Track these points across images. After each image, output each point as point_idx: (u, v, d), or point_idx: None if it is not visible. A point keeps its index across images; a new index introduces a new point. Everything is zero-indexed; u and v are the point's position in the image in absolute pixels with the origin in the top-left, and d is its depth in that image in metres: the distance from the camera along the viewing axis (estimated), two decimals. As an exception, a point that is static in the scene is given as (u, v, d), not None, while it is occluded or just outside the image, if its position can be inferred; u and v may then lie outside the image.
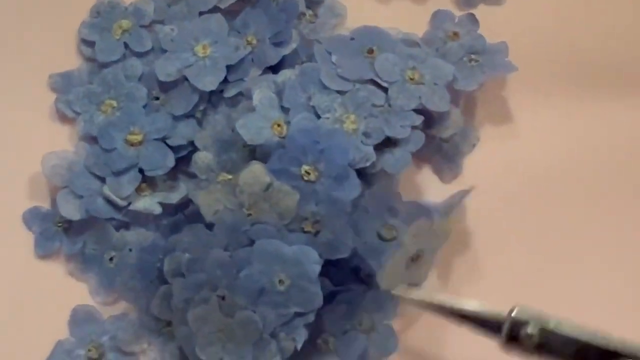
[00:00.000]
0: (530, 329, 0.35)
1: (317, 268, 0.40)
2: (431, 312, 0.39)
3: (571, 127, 0.48)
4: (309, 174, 0.40)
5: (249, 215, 0.40)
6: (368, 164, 0.42)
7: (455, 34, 0.48)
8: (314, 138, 0.41)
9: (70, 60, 0.48)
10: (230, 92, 0.44)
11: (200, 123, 0.44)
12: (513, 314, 0.36)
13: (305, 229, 0.40)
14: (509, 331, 0.36)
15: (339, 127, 0.42)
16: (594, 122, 0.48)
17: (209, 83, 0.44)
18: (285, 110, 0.42)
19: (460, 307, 0.38)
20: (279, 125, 0.42)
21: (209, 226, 0.41)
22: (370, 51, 0.45)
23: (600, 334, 0.35)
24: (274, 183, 0.40)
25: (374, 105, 0.43)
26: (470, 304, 0.38)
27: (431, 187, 0.46)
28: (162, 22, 0.47)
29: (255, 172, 0.40)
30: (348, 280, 0.42)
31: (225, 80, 0.45)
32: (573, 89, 0.49)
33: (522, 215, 0.46)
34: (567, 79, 0.49)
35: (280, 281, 0.39)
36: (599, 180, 0.47)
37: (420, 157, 0.46)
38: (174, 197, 0.43)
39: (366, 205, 0.42)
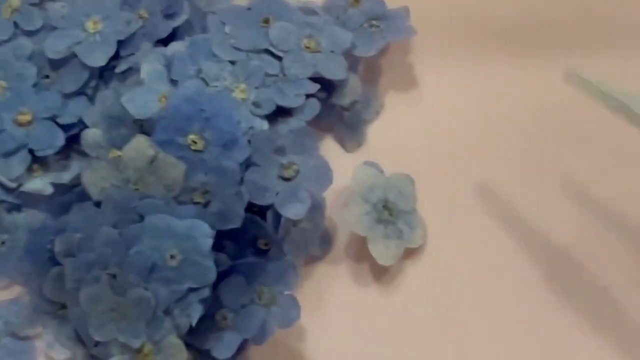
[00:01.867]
0: None
1: (209, 241, 0.39)
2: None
3: (477, 91, 0.47)
4: (195, 143, 0.39)
5: (136, 190, 0.39)
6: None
7: (356, 0, 0.47)
8: (199, 106, 0.40)
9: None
10: (121, 67, 0.43)
11: (91, 100, 0.43)
12: None
13: (195, 200, 0.39)
14: None
15: (224, 92, 0.41)
16: (499, 85, 0.47)
17: (98, 59, 0.43)
18: (174, 83, 0.41)
19: None
20: (166, 98, 0.41)
21: (99, 204, 0.40)
22: (266, 21, 0.44)
23: None
24: (158, 155, 0.39)
25: (267, 75, 0.43)
26: None
27: (335, 157, 0.45)
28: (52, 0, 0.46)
29: (139, 146, 0.39)
30: (246, 253, 0.41)
31: (118, 56, 0.44)
32: (478, 52, 0.48)
33: (428, 180, 0.45)
34: (472, 42, 0.48)
35: (172, 256, 0.38)
36: (505, 143, 0.46)
37: (321, 126, 0.45)
38: (66, 177, 0.43)
39: (254, 162, 0.41)
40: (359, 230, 0.43)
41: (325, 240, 0.44)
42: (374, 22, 0.46)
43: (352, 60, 0.45)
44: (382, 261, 0.42)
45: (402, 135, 0.46)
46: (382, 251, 0.43)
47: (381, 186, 0.43)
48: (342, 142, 0.46)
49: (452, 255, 0.44)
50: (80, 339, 0.40)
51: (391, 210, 0.43)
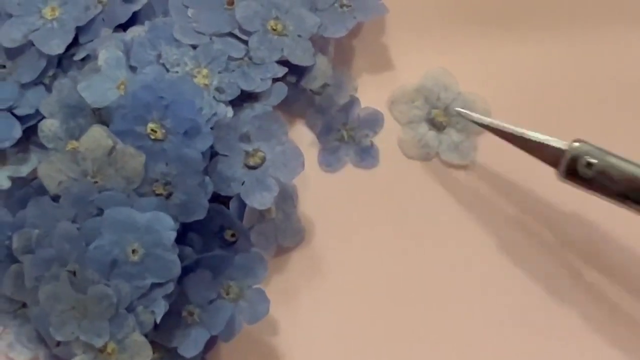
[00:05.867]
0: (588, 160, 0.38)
1: (173, 234, 0.37)
2: (495, 134, 0.41)
3: (454, 71, 0.45)
4: (155, 132, 0.38)
5: (95, 182, 0.38)
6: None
7: (327, -21, 0.45)
8: (158, 93, 0.38)
9: None
10: (80, 55, 0.41)
11: (49, 90, 0.41)
12: (572, 146, 0.39)
13: (157, 192, 0.38)
14: (569, 162, 0.39)
15: (185, 78, 0.39)
16: (477, 64, 0.46)
17: (56, 46, 0.41)
18: (133, 69, 0.40)
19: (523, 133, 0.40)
20: (125, 86, 0.39)
21: (56, 198, 0.38)
22: (231, 2, 0.42)
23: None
24: (117, 146, 0.37)
25: (231, 59, 0.41)
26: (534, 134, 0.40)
27: (306, 143, 0.44)
28: (9, -14, 0.44)
29: (96, 136, 0.37)
30: (213, 247, 0.40)
31: (77, 43, 0.42)
32: (454, 31, 0.46)
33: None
34: (448, 21, 0.46)
35: (134, 251, 0.37)
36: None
37: (291, 111, 0.44)
38: (24, 170, 0.41)
39: (218, 150, 0.39)
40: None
41: (297, 231, 0.42)
42: (344, 1, 0.44)
43: (322, 42, 0.43)
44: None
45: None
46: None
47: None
48: (313, 127, 0.44)
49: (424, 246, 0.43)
50: (42, 338, 0.39)
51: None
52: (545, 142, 0.40)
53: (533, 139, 0.40)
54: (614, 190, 0.38)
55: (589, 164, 0.38)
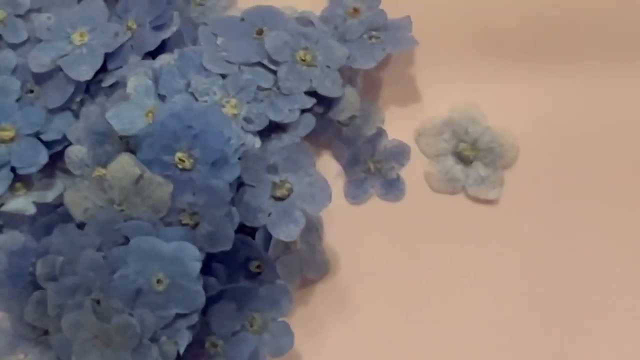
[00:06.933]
0: None
1: (198, 265, 0.37)
2: None
3: (480, 104, 0.45)
4: (183, 161, 0.37)
5: (121, 211, 0.37)
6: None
7: (356, 10, 0.45)
8: (187, 122, 0.38)
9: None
10: (108, 81, 0.41)
11: (77, 116, 0.42)
12: None
13: (183, 222, 0.37)
14: None
15: (214, 108, 0.39)
16: (504, 97, 0.46)
17: (84, 72, 0.41)
18: (162, 98, 0.40)
19: None
20: (153, 114, 0.39)
21: (82, 225, 0.38)
22: (260, 32, 0.42)
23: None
24: (144, 174, 0.37)
25: (260, 89, 0.41)
26: None
27: (332, 174, 0.44)
28: (39, 11, 0.44)
29: (124, 165, 0.37)
30: (238, 278, 0.40)
31: (105, 69, 0.42)
32: (482, 64, 0.46)
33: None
34: (476, 54, 0.46)
35: (159, 281, 0.36)
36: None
37: (318, 142, 0.43)
38: (50, 196, 0.41)
39: (245, 181, 0.39)
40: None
41: (322, 263, 0.42)
42: (374, 33, 0.44)
43: (350, 73, 0.43)
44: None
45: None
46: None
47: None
48: (339, 159, 0.44)
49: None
50: (63, 367, 0.39)
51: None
52: None
53: None
54: None
55: None
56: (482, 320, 0.42)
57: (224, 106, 0.40)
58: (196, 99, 0.39)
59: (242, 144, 0.39)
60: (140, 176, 0.37)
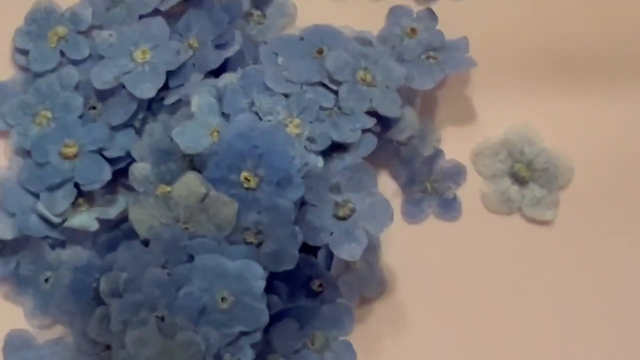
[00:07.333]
0: None
1: (262, 283, 0.37)
2: None
3: (538, 126, 0.45)
4: (248, 180, 0.38)
5: (186, 229, 0.38)
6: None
7: (413, 30, 0.45)
8: (252, 142, 0.38)
9: (5, 71, 0.45)
10: (170, 99, 0.42)
11: (139, 133, 0.42)
12: None
13: (248, 240, 0.38)
14: None
15: (279, 127, 0.39)
16: (562, 119, 0.45)
17: (147, 90, 0.42)
18: (226, 116, 0.40)
19: None
20: (218, 133, 0.39)
21: (146, 242, 0.38)
22: (320, 51, 0.42)
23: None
24: (210, 193, 0.37)
25: (322, 109, 0.41)
26: None
27: (390, 193, 0.44)
28: (100, 27, 0.44)
29: (190, 183, 0.37)
30: (300, 296, 0.40)
31: (167, 87, 0.42)
32: (539, 86, 0.46)
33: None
34: (533, 75, 0.46)
35: (223, 299, 0.37)
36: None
37: (376, 162, 0.44)
38: (112, 212, 0.41)
39: (308, 200, 0.39)
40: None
41: (379, 282, 0.42)
42: (431, 53, 0.44)
43: (409, 93, 0.43)
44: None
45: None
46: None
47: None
48: (397, 178, 0.44)
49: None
50: (125, 382, 0.39)
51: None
52: None
53: None
54: None
55: None
56: (539, 341, 0.42)
57: (287, 126, 0.40)
58: (260, 118, 0.40)
59: (305, 164, 0.39)
60: (206, 195, 0.37)
